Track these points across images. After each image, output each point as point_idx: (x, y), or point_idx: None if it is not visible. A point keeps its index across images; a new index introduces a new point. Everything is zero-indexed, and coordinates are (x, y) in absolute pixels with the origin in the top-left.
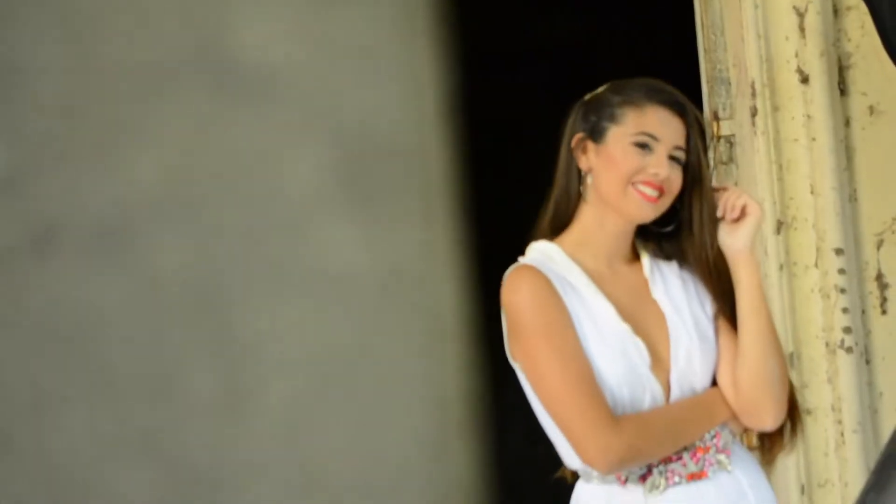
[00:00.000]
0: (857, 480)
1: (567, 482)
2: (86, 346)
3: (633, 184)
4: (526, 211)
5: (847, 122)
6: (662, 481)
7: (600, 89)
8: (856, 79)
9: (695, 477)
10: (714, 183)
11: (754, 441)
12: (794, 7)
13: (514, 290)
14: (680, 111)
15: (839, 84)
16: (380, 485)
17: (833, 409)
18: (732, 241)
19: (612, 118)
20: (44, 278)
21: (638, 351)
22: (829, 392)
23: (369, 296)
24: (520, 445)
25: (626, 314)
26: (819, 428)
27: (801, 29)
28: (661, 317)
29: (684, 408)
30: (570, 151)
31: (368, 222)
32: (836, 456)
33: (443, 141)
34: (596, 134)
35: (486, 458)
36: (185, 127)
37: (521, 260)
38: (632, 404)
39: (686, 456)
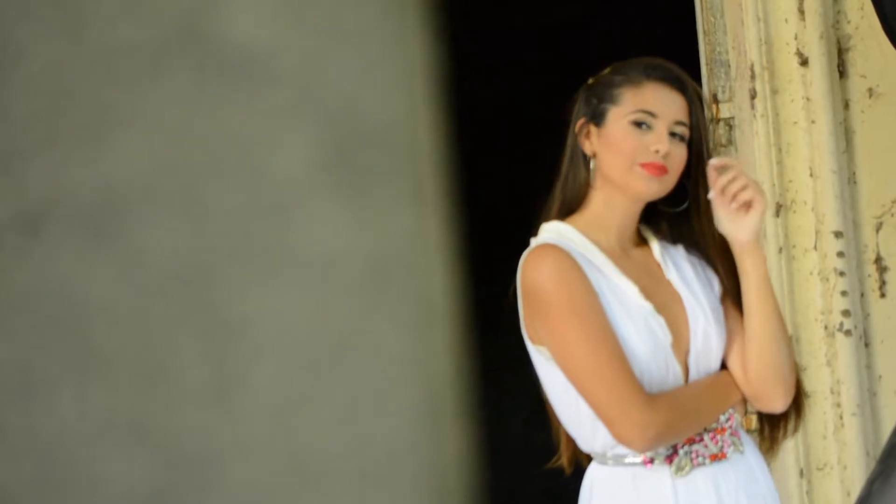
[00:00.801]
0: (856, 463)
1: (564, 471)
2: (75, 329)
3: (637, 164)
4: (516, 195)
5: (846, 105)
6: (688, 462)
7: (603, 72)
8: (855, 61)
9: (716, 458)
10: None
11: (753, 425)
12: None
13: (537, 268)
14: (679, 87)
15: (838, 66)
16: (369, 466)
17: (832, 392)
18: (737, 231)
19: (612, 99)
20: (33, 261)
21: (661, 329)
22: (828, 375)
23: (359, 279)
24: (519, 430)
25: (646, 293)
26: (818, 411)
27: (801, 11)
28: (676, 297)
29: (707, 387)
30: (576, 138)
31: (358, 206)
32: (834, 439)
33: (433, 125)
34: (597, 117)
35: (481, 442)
36: (174, 110)
37: (537, 240)
38: (658, 382)
39: (707, 437)
